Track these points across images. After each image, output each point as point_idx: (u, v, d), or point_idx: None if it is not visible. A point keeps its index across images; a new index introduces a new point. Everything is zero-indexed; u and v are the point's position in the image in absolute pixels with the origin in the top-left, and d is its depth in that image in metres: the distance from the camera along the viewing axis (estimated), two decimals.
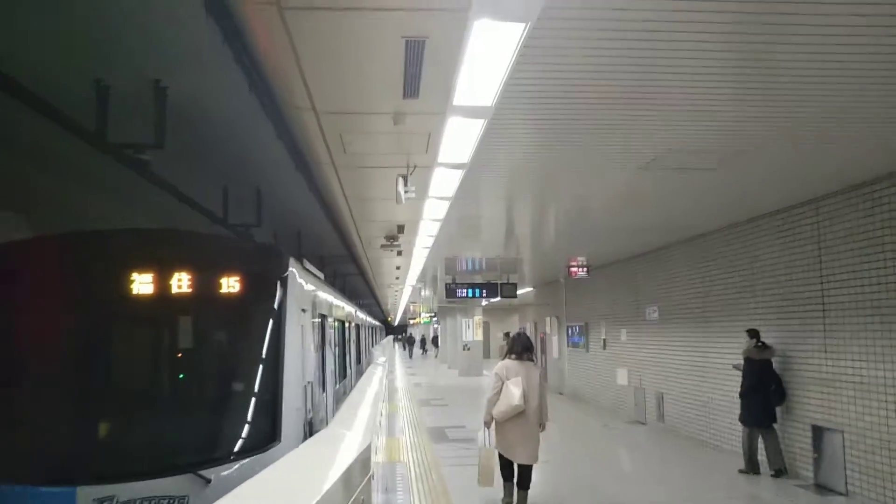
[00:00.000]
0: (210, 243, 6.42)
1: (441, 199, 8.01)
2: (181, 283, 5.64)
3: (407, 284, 22.81)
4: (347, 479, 2.06)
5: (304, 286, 6.91)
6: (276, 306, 5.83)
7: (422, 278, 20.40)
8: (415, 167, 6.34)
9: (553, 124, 5.54)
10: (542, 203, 9.21)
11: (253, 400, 5.61)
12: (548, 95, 4.86)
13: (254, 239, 8.63)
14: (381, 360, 13.88)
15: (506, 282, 18.22)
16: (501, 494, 7.60)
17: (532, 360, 7.66)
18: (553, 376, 21.79)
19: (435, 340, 49.92)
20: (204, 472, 4.88)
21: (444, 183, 7.19)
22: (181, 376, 5.95)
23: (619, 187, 7.91)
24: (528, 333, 12.11)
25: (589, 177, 7.39)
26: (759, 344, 9.35)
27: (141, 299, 5.60)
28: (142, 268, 5.62)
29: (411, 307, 42.57)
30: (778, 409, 9.21)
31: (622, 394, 15.52)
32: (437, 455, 10.59)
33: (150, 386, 5.86)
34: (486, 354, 31.72)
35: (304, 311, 6.64)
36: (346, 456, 2.34)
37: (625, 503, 7.84)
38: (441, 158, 6.18)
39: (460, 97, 4.57)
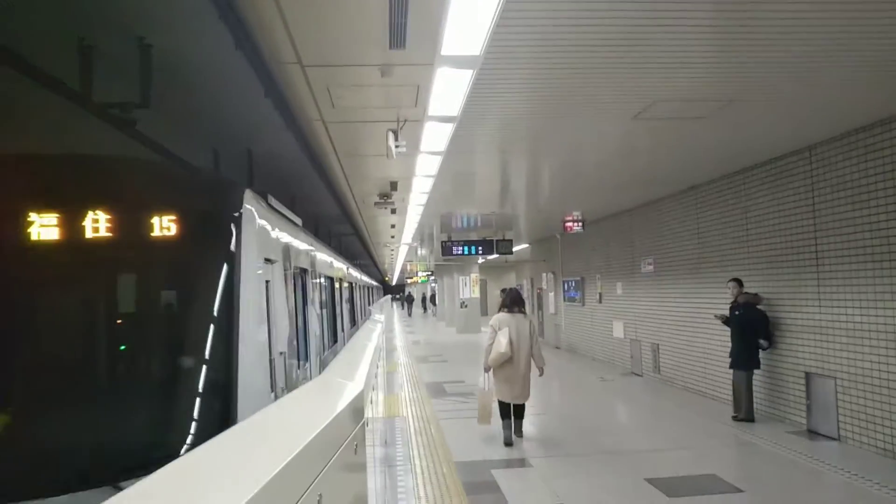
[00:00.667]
0: (129, 169, 4.73)
1: (433, 153, 7.96)
2: (90, 224, 4.21)
3: (402, 243, 22.83)
4: (339, 423, 2.08)
5: (268, 229, 5.59)
6: (225, 255, 4.40)
7: (417, 236, 20.42)
8: (405, 121, 6.30)
9: (543, 73, 5.46)
10: (536, 157, 9.15)
11: (195, 382, 4.17)
12: (536, 43, 4.79)
13: (193, 165, 6.71)
14: (379, 317, 13.85)
15: (501, 238, 18.27)
16: (497, 432, 8.61)
17: (522, 312, 8.64)
18: (549, 331, 21.97)
19: (433, 299, 50.13)
20: (126, 484, 3.17)
21: (434, 137, 7.14)
22: (90, 354, 4.40)
23: (611, 139, 7.85)
24: (522, 289, 12.84)
25: (581, 129, 7.33)
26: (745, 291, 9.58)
27: (32, 247, 4.18)
28: (25, 203, 4.20)
29: (408, 266, 42.70)
30: (762, 355, 9.39)
31: (618, 347, 15.66)
32: (435, 409, 10.72)
33: (43, 370, 4.19)
34: (484, 311, 31.85)
35: (270, 261, 5.47)
36: (338, 400, 2.34)
37: (620, 451, 7.96)
38: (431, 111, 6.12)
39: (448, 47, 4.51)
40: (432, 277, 43.25)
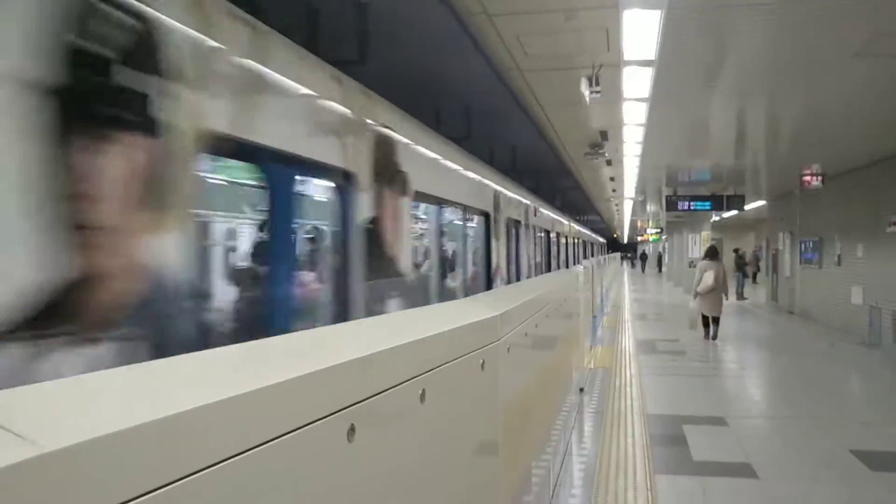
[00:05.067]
0: None
1: (638, 100, 7.78)
2: None
3: (625, 197, 22.37)
4: (461, 332, 2.25)
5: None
6: None
7: (640, 190, 19.87)
8: (600, 66, 6.25)
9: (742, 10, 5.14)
10: (754, 103, 8.54)
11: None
12: None
13: None
14: (585, 262, 13.83)
15: (733, 194, 17.29)
16: (700, 336, 13.57)
17: (719, 261, 13.52)
18: (784, 295, 20.40)
19: (660, 258, 48.90)
20: None
21: (636, 82, 6.98)
22: None
23: (851, 79, 6.99)
24: (761, 251, 15.06)
25: (803, 68, 6.71)
26: None
27: None
28: None
29: (638, 223, 41.60)
30: None
31: (856, 313, 14.20)
32: (642, 364, 10.61)
33: None
34: None
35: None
36: (467, 313, 2.52)
37: (828, 418, 7.39)
38: (627, 55, 6.02)
39: None
40: (664, 236, 41.69)
